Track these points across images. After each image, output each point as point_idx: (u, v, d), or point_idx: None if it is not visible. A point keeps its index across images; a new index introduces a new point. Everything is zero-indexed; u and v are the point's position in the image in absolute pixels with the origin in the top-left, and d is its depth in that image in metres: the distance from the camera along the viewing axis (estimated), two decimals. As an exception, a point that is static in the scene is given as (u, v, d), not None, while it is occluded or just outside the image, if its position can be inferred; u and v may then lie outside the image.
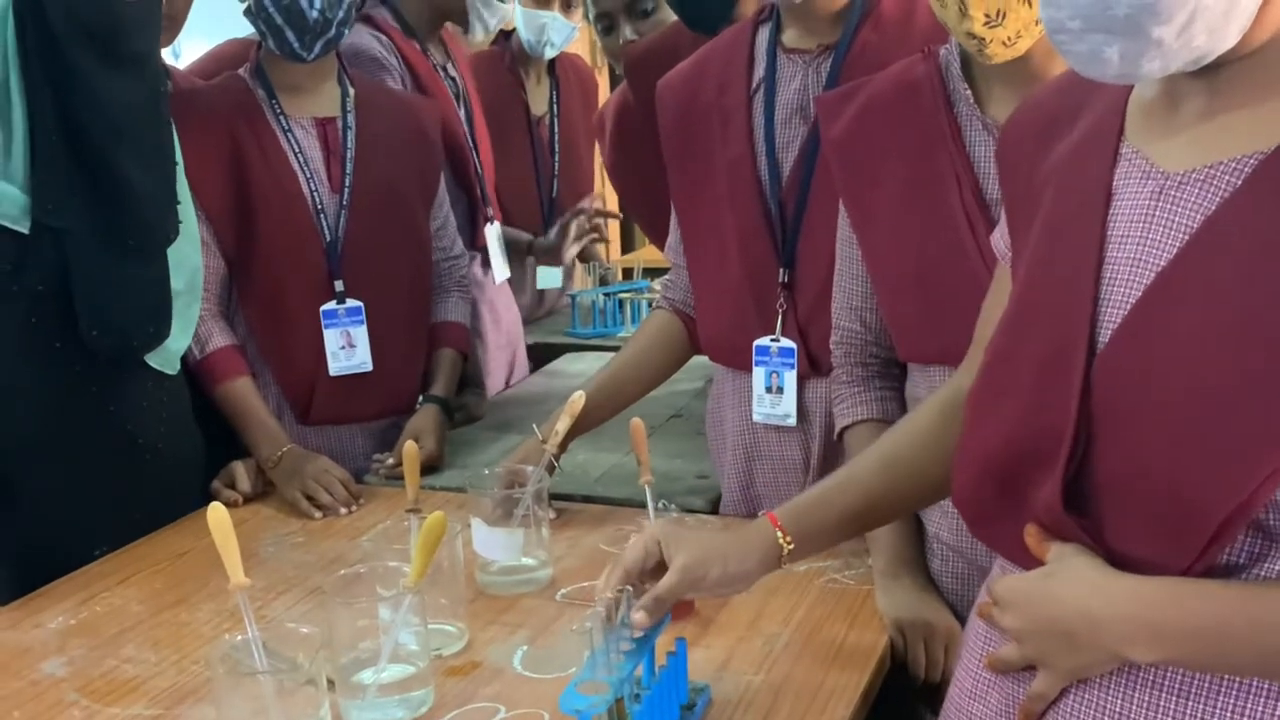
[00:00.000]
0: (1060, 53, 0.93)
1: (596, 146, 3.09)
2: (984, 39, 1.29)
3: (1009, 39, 1.28)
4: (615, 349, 2.55)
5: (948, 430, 1.17)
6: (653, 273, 3.25)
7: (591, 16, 2.59)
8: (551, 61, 2.97)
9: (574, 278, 3.32)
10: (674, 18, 2.33)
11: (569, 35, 2.94)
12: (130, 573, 1.69)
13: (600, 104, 3.03)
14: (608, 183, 3.00)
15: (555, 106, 2.92)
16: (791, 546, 1.20)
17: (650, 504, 1.55)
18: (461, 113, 2.54)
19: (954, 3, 1.28)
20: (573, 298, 3.06)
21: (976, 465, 1.06)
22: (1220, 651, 0.89)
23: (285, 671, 1.17)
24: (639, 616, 1.14)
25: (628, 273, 3.24)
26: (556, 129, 2.94)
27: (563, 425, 1.66)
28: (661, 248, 2.67)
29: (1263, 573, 0.89)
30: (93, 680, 1.39)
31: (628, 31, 2.49)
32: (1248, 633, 0.88)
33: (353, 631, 1.31)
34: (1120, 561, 0.94)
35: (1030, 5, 1.26)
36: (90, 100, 1.63)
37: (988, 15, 1.27)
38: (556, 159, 2.93)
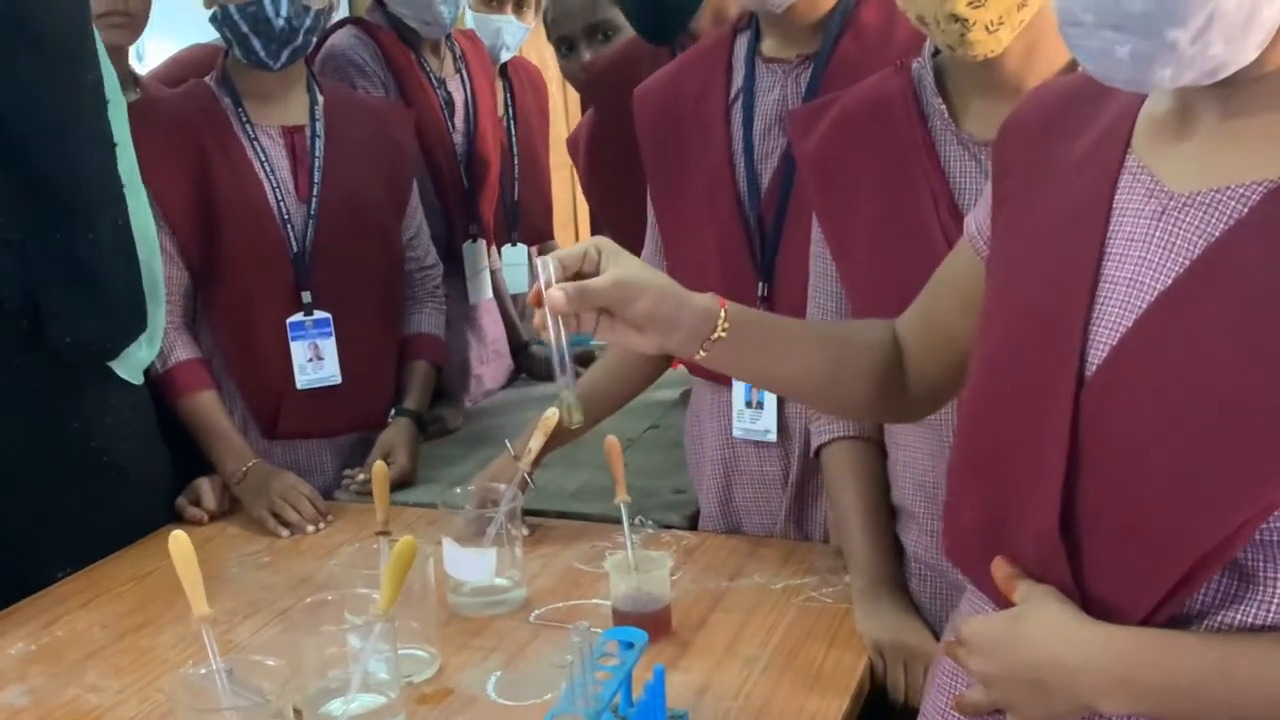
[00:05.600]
0: (1071, 49, 0.90)
1: (552, 148, 3.06)
2: (967, 20, 1.23)
3: (991, 23, 1.24)
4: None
5: (886, 357, 1.20)
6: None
7: (552, 39, 2.56)
8: (504, 64, 2.94)
9: None
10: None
11: (522, 37, 2.90)
12: (93, 595, 1.65)
13: (550, 106, 3.01)
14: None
15: (511, 109, 2.88)
16: (725, 333, 1.10)
17: (626, 522, 1.52)
18: (462, 125, 2.49)
19: None
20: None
21: (966, 482, 1.04)
22: (1195, 708, 0.87)
23: (250, 708, 1.13)
24: (556, 294, 1.02)
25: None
26: (514, 132, 2.90)
27: (536, 442, 1.62)
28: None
29: (1235, 617, 0.86)
30: (53, 711, 1.35)
31: (586, 55, 2.47)
32: (1224, 693, 0.85)
33: (321, 660, 1.27)
34: (1090, 602, 0.91)
35: None
36: (14, 95, 1.56)
37: None
38: (516, 162, 2.89)
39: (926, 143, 1.39)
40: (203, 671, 1.17)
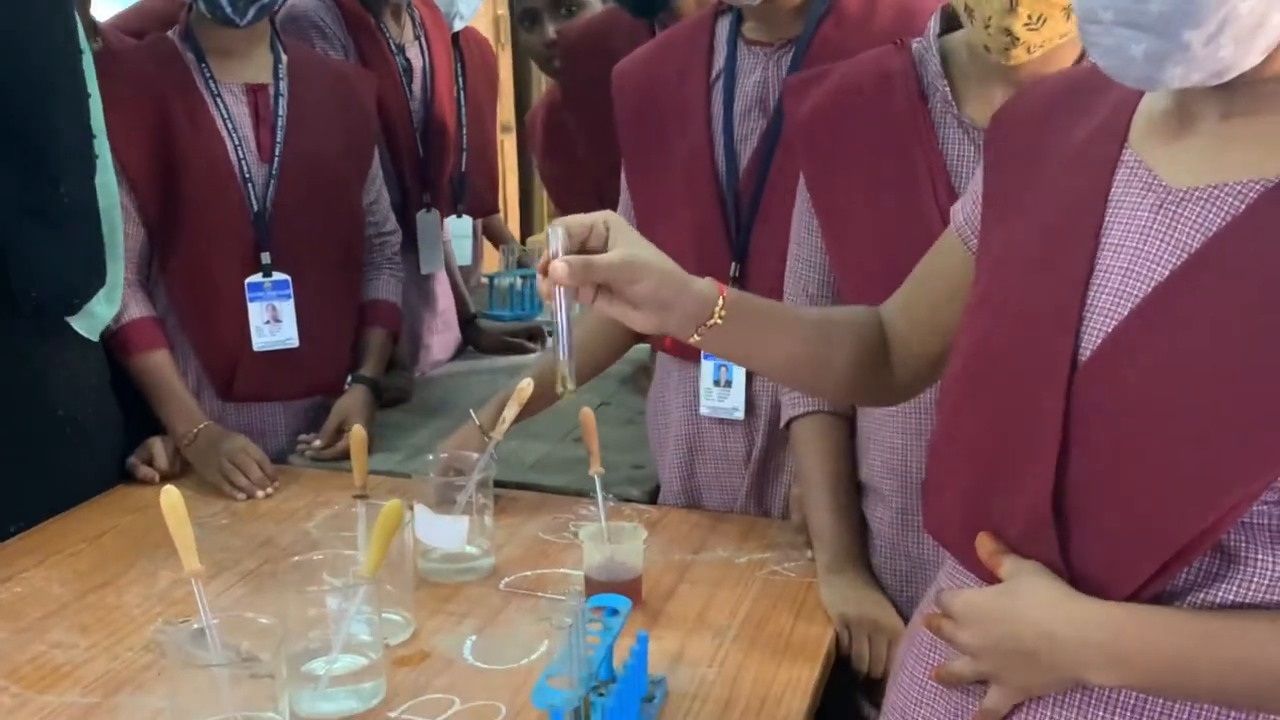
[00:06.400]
0: (1086, 45, 0.92)
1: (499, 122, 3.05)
2: (1018, 38, 1.27)
3: (1034, 46, 1.28)
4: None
5: (873, 344, 1.22)
6: (569, 257, 3.21)
7: (516, 12, 2.56)
8: (455, 34, 2.92)
9: (483, 258, 3.27)
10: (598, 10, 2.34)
11: (476, 6, 2.88)
12: (49, 552, 1.62)
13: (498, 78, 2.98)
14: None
15: (461, 80, 2.87)
16: (721, 320, 1.11)
17: (600, 493, 1.54)
18: (420, 93, 2.48)
19: None
20: (490, 279, 3.01)
21: (951, 460, 1.06)
22: (1180, 681, 0.91)
23: (247, 663, 1.13)
24: (559, 266, 1.03)
25: (544, 255, 3.20)
26: (464, 103, 2.89)
27: (510, 412, 1.63)
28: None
29: (1217, 595, 0.89)
30: (20, 666, 1.33)
31: (550, 30, 2.47)
32: (1209, 667, 0.89)
33: (303, 621, 1.27)
34: (1076, 579, 0.94)
35: (1068, 18, 1.26)
36: None
37: (1031, 17, 1.26)
38: (465, 134, 2.88)
39: (927, 122, 1.41)
40: (195, 626, 1.17)
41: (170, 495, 1.18)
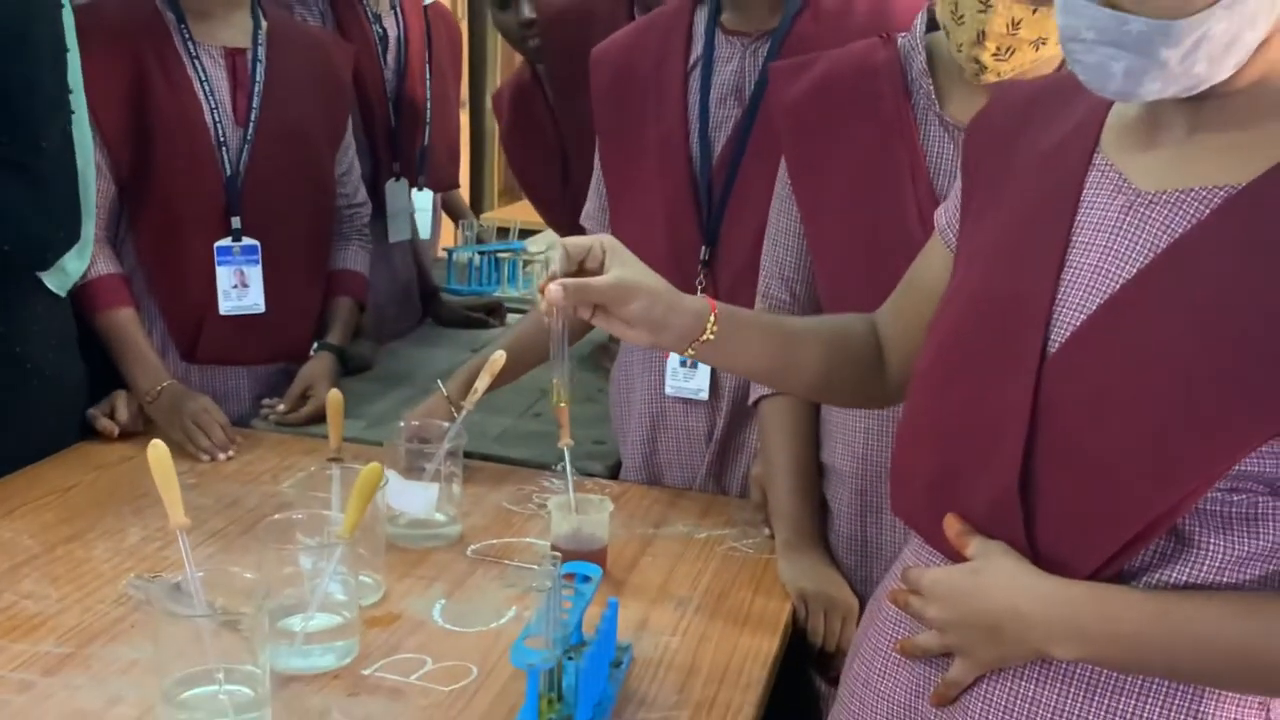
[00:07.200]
0: (1069, 61, 0.97)
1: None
2: (986, 66, 1.34)
3: (1003, 72, 1.34)
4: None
5: (866, 352, 1.27)
6: (528, 234, 3.25)
7: None
8: (425, 7, 2.93)
9: (441, 233, 3.28)
10: None
11: None
12: (15, 505, 1.62)
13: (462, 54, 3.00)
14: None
15: (428, 53, 2.89)
16: (713, 336, 1.16)
17: (568, 465, 1.57)
18: (394, 63, 2.49)
19: (972, 27, 1.32)
20: (449, 254, 3.03)
21: (919, 444, 1.11)
22: (1135, 655, 0.97)
23: (230, 615, 1.15)
24: (554, 289, 1.09)
25: (503, 231, 3.23)
26: (430, 77, 2.91)
27: (482, 383, 1.65)
28: (552, 224, 2.70)
29: (1171, 576, 0.95)
30: (-8, 615, 1.34)
31: (527, 9, 2.48)
32: (1162, 641, 0.95)
33: (278, 579, 1.29)
34: (1039, 558, 0.99)
35: (1036, 50, 1.31)
36: None
37: (999, 49, 1.32)
38: (430, 108, 2.89)
39: (909, 119, 1.45)
40: (171, 581, 1.18)
41: (158, 449, 1.20)
